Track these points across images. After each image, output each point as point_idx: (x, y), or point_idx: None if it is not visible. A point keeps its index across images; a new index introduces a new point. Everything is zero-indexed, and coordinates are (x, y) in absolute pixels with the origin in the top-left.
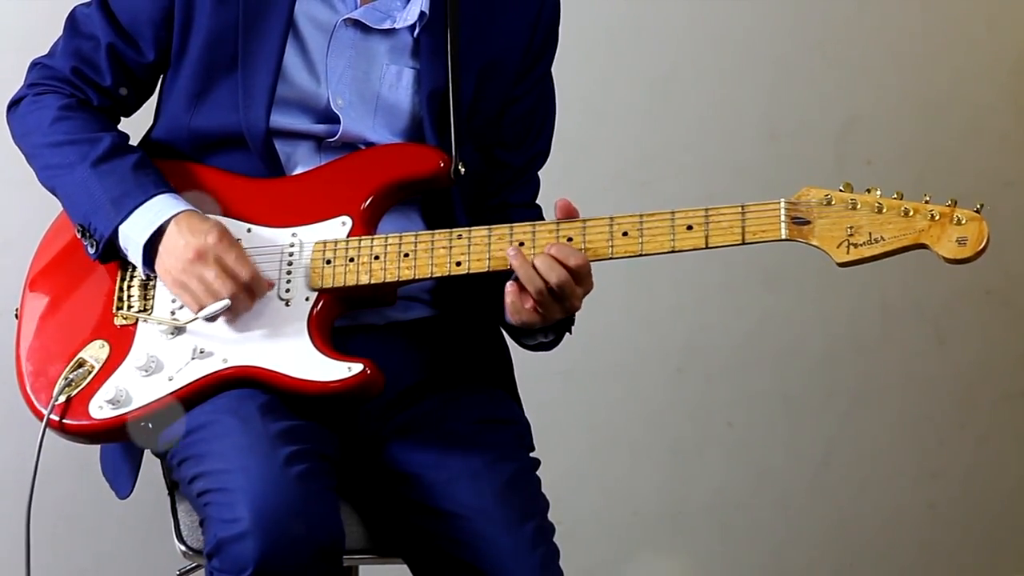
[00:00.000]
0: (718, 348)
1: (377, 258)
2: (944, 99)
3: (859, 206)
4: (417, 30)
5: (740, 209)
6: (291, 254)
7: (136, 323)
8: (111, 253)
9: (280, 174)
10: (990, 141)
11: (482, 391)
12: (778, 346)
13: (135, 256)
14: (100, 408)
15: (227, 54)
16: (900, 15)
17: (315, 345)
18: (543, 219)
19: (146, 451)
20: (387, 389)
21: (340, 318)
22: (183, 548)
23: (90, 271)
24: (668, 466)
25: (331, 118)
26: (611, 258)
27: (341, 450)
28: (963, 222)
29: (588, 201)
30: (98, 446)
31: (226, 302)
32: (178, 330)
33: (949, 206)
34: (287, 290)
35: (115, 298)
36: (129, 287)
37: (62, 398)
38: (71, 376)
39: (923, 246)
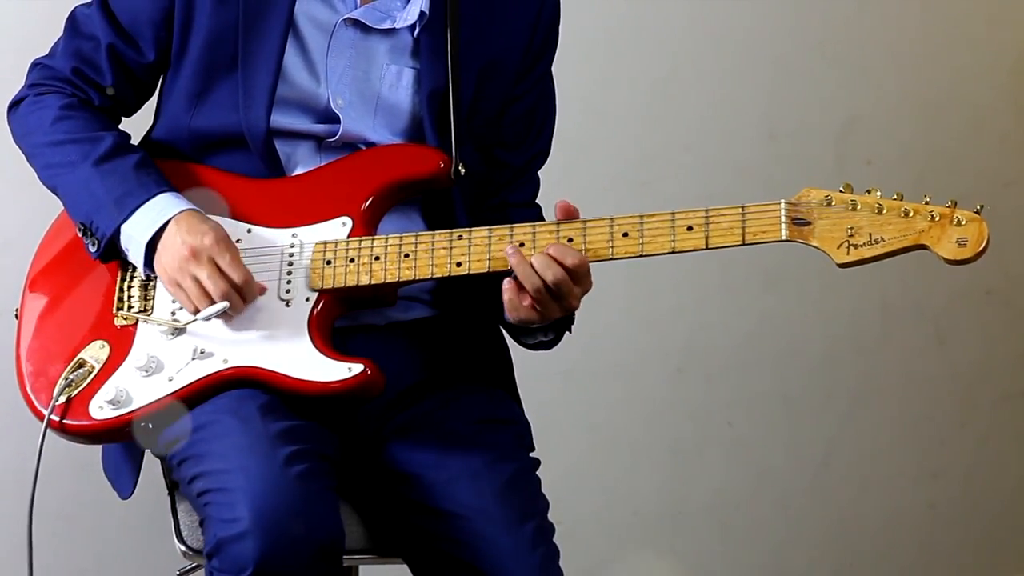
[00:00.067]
0: (718, 348)
1: (377, 258)
2: (944, 99)
3: (859, 207)
4: (417, 30)
5: (740, 210)
6: (291, 255)
7: (136, 323)
8: (112, 252)
9: (280, 174)
10: (990, 141)
11: (482, 391)
12: (778, 346)
13: (136, 255)
14: (100, 408)
15: (227, 54)
16: (900, 15)
17: (315, 345)
18: (543, 219)
19: (146, 451)
20: (387, 389)
21: (340, 318)
22: (183, 548)
23: (90, 271)
24: (668, 466)
25: (331, 118)
26: (611, 259)
27: (341, 450)
28: (963, 223)
29: (588, 201)
30: (99, 446)
31: (225, 304)
32: (178, 330)
33: (949, 207)
34: (287, 291)
35: (115, 298)
36: (129, 287)
37: (62, 398)
38: (71, 376)
39: (923, 247)
